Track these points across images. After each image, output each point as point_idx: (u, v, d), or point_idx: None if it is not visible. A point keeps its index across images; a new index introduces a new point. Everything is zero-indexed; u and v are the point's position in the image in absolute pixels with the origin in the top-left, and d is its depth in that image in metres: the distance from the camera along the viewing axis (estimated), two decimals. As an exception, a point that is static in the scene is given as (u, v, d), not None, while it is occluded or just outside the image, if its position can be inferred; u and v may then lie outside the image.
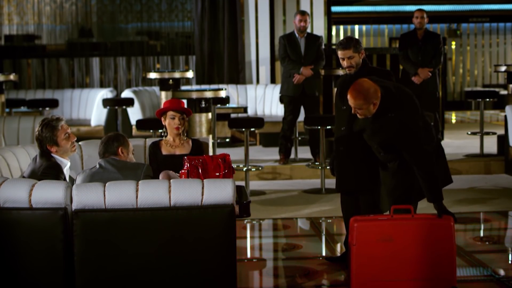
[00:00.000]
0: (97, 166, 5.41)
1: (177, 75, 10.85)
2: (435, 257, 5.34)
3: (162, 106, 6.57)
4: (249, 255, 6.85)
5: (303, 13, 10.44)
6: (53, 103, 11.72)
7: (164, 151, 6.30)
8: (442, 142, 10.77)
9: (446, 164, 5.77)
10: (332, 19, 14.01)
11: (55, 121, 5.55)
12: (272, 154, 11.12)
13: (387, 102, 5.43)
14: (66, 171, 5.60)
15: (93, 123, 12.44)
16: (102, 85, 14.18)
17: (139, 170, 5.32)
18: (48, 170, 5.37)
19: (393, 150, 5.53)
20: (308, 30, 10.64)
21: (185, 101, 8.22)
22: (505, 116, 10.34)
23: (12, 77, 10.77)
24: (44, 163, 5.43)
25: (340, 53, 6.01)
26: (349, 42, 5.99)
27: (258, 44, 13.48)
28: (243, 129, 9.25)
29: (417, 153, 5.42)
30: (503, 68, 10.81)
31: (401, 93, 5.56)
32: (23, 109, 11.83)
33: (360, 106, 5.42)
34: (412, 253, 5.36)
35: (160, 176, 5.65)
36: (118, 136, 5.57)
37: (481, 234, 7.50)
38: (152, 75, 11.00)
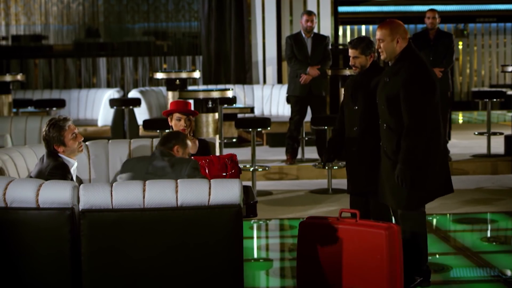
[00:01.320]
0: (152, 153, 5.56)
1: (184, 75, 10.86)
2: (365, 266, 5.19)
3: (169, 107, 6.58)
4: (256, 255, 6.86)
5: (309, 13, 10.44)
6: (60, 103, 11.74)
7: (171, 151, 6.30)
8: (449, 143, 10.77)
9: (449, 172, 5.67)
10: (339, 19, 13.99)
11: (62, 121, 5.56)
12: (278, 154, 11.12)
13: (411, 54, 5.47)
14: (73, 171, 5.61)
15: (100, 123, 12.46)
16: (109, 85, 14.20)
17: (184, 164, 5.32)
18: (55, 170, 5.39)
19: (398, 115, 5.45)
20: (315, 30, 10.64)
21: (192, 101, 8.23)
22: (512, 116, 10.32)
23: (19, 77, 10.78)
24: (51, 163, 5.44)
25: (349, 51, 6.10)
26: (358, 43, 6.06)
27: (265, 44, 13.48)
28: (250, 129, 9.25)
29: (417, 117, 5.33)
30: (510, 68, 10.78)
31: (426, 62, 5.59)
32: (30, 109, 11.85)
33: (383, 37, 5.46)
34: (346, 260, 5.25)
35: (167, 176, 5.66)
36: (178, 135, 5.67)
37: (488, 235, 7.49)
38: (159, 75, 11.01)
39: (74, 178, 5.62)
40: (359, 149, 6.03)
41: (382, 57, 5.58)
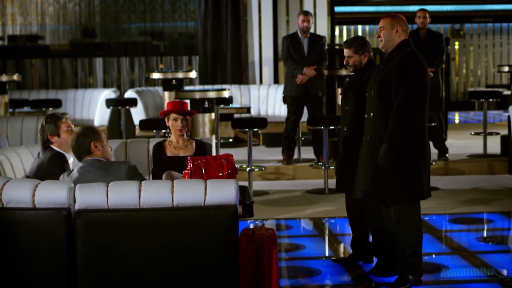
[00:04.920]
0: (76, 173, 5.11)
1: (180, 75, 10.85)
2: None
3: (165, 107, 6.58)
4: (252, 256, 6.85)
5: (306, 13, 10.44)
6: (57, 103, 11.73)
7: (169, 152, 6.29)
8: (446, 143, 10.76)
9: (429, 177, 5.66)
10: (335, 19, 13.99)
11: (61, 114, 5.74)
12: (275, 154, 11.12)
13: (407, 46, 5.56)
14: (71, 164, 5.64)
15: (96, 123, 12.45)
16: (105, 85, 14.19)
17: (121, 173, 5.09)
18: (53, 160, 5.46)
19: (387, 101, 5.46)
20: (312, 31, 10.63)
21: (188, 101, 8.23)
22: (508, 117, 10.33)
23: (15, 77, 10.77)
24: (48, 155, 5.51)
25: (344, 50, 6.12)
26: (353, 43, 6.11)
27: (261, 44, 13.48)
28: (246, 130, 9.25)
29: (409, 97, 5.34)
30: (506, 68, 10.79)
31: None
32: (26, 109, 11.83)
33: (384, 25, 5.59)
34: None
35: (163, 176, 5.65)
36: (86, 132, 5.19)
37: (484, 235, 7.50)
38: (155, 75, 11.01)
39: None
40: (347, 149, 6.02)
41: (380, 46, 5.64)
